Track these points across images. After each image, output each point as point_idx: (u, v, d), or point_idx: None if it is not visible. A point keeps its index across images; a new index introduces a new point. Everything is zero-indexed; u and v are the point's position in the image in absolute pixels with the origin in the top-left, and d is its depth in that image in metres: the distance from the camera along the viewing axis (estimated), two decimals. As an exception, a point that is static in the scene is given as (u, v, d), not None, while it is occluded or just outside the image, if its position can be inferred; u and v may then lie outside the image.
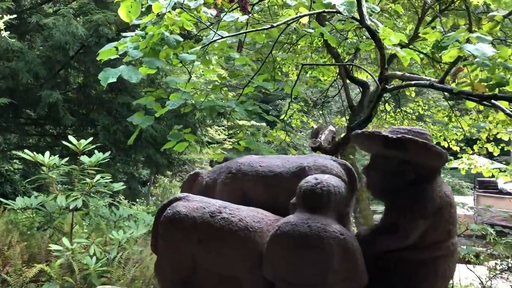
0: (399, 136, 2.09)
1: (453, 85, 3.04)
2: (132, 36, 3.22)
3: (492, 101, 2.54)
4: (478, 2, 3.24)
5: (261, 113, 3.59)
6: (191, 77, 3.39)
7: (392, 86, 3.51)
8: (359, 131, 2.26)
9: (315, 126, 11.13)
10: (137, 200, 13.24)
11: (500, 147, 9.50)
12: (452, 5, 7.32)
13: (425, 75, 8.04)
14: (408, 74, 3.40)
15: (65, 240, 4.63)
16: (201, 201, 2.44)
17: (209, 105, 3.78)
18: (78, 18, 7.81)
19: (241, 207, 2.40)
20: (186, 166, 11.50)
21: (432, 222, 2.14)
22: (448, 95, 7.80)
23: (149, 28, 2.90)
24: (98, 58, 3.25)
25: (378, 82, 3.28)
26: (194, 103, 4.00)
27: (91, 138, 5.28)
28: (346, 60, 8.13)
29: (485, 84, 2.34)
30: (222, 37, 2.95)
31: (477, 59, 2.29)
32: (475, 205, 16.05)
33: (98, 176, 5.08)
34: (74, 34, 6.58)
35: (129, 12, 2.78)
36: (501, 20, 2.50)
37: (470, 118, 9.61)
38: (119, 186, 5.48)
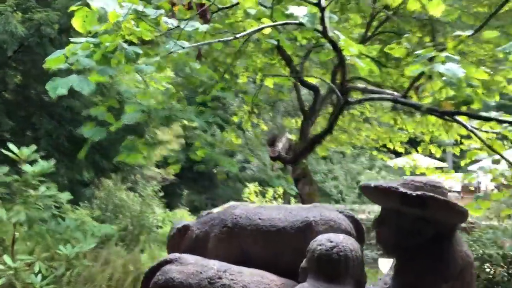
0: (418, 193, 1.90)
1: (414, 98, 3.08)
2: (82, 42, 3.00)
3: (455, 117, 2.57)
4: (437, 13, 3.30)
5: (221, 124, 3.48)
6: (148, 87, 3.22)
7: (355, 99, 3.51)
8: (372, 185, 2.03)
9: (265, 128, 11.15)
10: (80, 203, 12.64)
11: (442, 149, 9.93)
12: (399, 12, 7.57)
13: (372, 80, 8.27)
14: (370, 87, 3.43)
15: (6, 258, 4.29)
16: (197, 264, 2.17)
17: (165, 114, 3.62)
18: (15, 14, 7.31)
19: (243, 269, 2.17)
20: (134, 171, 11.13)
21: (453, 285, 1.99)
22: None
23: (104, 37, 2.71)
24: (45, 66, 3.01)
25: (339, 94, 3.26)
26: (149, 112, 3.81)
27: (34, 147, 4.93)
28: (296, 63, 8.16)
29: (452, 102, 2.37)
30: (183, 48, 2.81)
31: (444, 78, 2.31)
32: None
33: (43, 188, 4.75)
34: (12, 33, 6.14)
35: (84, 22, 2.58)
36: (465, 39, 2.55)
37: (414, 121, 10.00)
38: (65, 196, 5.17)
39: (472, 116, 2.48)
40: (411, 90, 2.92)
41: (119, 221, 12.02)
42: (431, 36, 7.90)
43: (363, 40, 7.76)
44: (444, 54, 2.29)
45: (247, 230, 2.37)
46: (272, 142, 4.94)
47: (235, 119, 9.95)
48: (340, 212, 2.43)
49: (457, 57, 2.28)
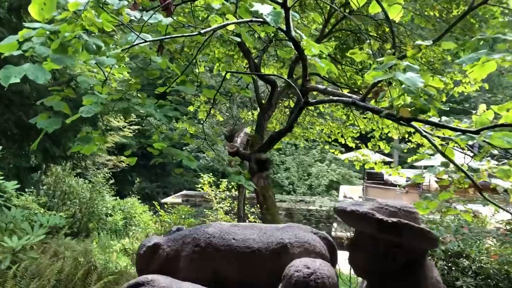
0: (394, 220, 1.90)
1: (372, 102, 3.17)
2: (37, 28, 2.87)
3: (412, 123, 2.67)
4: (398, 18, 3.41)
5: (180, 118, 3.44)
6: (107, 79, 3.13)
7: (314, 100, 3.56)
8: (348, 209, 2.00)
9: (221, 118, 11.12)
10: (26, 189, 12.15)
11: (390, 145, 10.32)
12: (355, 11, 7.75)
13: (327, 76, 8.45)
14: (330, 89, 3.49)
15: None
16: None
17: (123, 106, 3.53)
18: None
19: None
20: (85, 158, 10.79)
21: None
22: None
23: (63, 26, 2.60)
24: (-4, 52, 2.85)
25: (300, 94, 3.31)
26: (106, 103, 3.71)
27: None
28: (254, 55, 8.18)
29: (409, 109, 2.45)
30: (146, 41, 2.75)
31: (403, 86, 2.40)
32: (364, 195, 17.33)
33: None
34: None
35: (42, 9, 2.46)
36: (424, 48, 2.64)
37: (365, 118, 10.33)
38: (12, 185, 4.96)
39: (428, 122, 2.59)
40: (369, 94, 3.00)
41: (67, 208, 11.68)
42: (388, 37, 8.15)
43: (320, 37, 7.90)
44: (405, 62, 2.38)
45: (220, 250, 2.31)
46: (230, 137, 4.93)
47: (191, 108, 9.86)
48: (314, 234, 2.43)
49: (417, 67, 2.37)
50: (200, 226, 2.53)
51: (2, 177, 4.73)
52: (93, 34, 2.72)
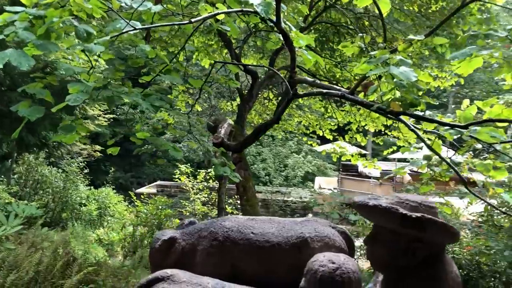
0: (418, 215, 1.88)
1: (361, 95, 3.20)
2: (20, 12, 2.77)
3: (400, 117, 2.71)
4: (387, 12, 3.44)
5: (168, 109, 3.38)
6: (93, 67, 3.05)
7: (303, 92, 3.57)
8: (371, 204, 1.97)
9: (199, 109, 11.04)
10: (-5, 178, 11.84)
11: (367, 138, 10.48)
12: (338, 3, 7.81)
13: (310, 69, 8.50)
14: (319, 82, 3.50)
15: None
16: (191, 282, 2.01)
17: (107, 95, 3.45)
18: None
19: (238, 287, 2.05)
20: (60, 146, 10.54)
21: None
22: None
23: (50, 11, 2.51)
24: (-23, 36, 2.74)
25: (289, 86, 3.30)
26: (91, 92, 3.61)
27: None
28: (234, 45, 8.13)
29: (400, 103, 2.48)
30: (136, 29, 2.69)
31: (395, 80, 2.42)
32: (339, 186, 17.56)
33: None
34: None
35: (31, -7, 2.37)
36: (415, 43, 2.68)
37: (343, 110, 10.44)
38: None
39: (417, 117, 2.63)
40: (358, 87, 3.02)
41: (39, 198, 11.42)
42: (367, 30, 8.22)
43: (301, 29, 7.91)
44: (398, 57, 2.40)
45: (239, 244, 2.28)
46: (214, 128, 4.89)
47: (170, 97, 9.74)
48: (332, 228, 2.42)
49: (409, 61, 2.39)
50: (216, 219, 2.49)
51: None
52: (81, 20, 2.65)
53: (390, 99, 2.56)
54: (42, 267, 4.05)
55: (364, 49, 3.02)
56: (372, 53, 2.52)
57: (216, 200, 12.65)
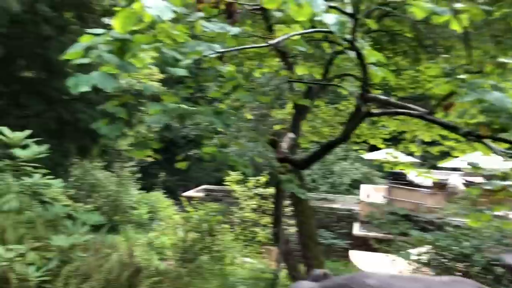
0: None
1: (440, 115, 3.11)
2: (100, 35, 2.87)
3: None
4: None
5: (239, 125, 3.42)
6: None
7: (379, 111, 3.51)
8: None
9: (250, 117, 11.08)
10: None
11: (422, 148, 10.16)
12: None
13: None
14: (393, 101, 3.43)
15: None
16: None
17: (180, 112, 3.52)
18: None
19: None
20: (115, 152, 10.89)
21: None
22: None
23: (137, 37, 2.59)
24: (64, 58, 2.87)
25: (361, 104, 3.26)
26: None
27: (28, 131, 4.73)
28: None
29: (490, 128, 2.40)
30: (216, 52, 2.73)
31: (483, 103, 2.35)
32: (388, 195, 17.17)
33: (37, 176, 4.58)
34: (4, 9, 5.79)
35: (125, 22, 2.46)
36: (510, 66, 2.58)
37: (395, 119, 10.18)
38: (57, 183, 5.01)
39: (504, 141, 2.54)
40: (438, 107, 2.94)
41: (93, 201, 11.81)
42: (422, 38, 7.99)
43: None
44: (491, 82, 2.31)
45: None
46: (273, 141, 4.88)
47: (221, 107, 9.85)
48: None
49: (502, 85, 2.31)
50: (357, 274, 2.46)
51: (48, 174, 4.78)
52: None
53: (477, 123, 2.47)
54: (112, 276, 4.18)
55: (446, 70, 2.94)
56: (461, 76, 2.44)
57: (266, 207, 12.68)
